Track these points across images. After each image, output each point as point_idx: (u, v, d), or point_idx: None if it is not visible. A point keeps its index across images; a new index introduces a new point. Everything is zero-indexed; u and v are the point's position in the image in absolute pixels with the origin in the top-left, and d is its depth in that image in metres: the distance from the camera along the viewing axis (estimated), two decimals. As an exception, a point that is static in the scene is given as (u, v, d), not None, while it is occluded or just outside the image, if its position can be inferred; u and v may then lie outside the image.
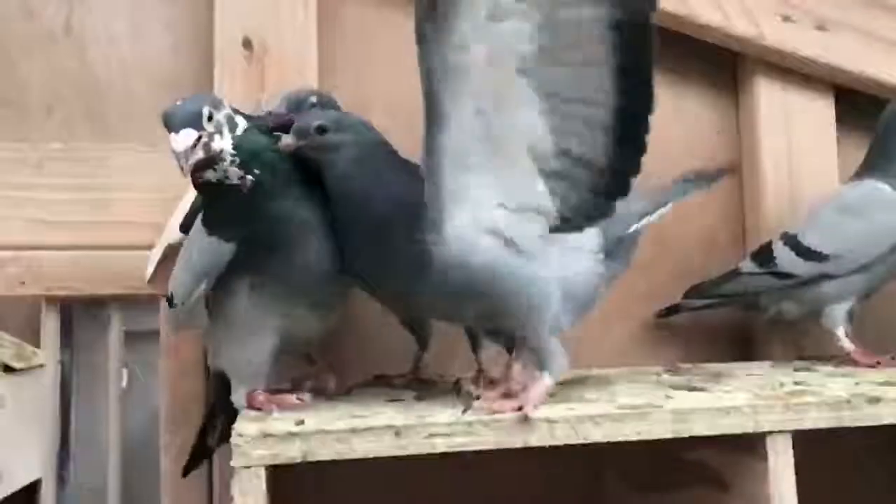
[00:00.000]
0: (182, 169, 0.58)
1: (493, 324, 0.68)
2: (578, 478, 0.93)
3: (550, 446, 0.59)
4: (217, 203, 0.63)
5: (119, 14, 0.93)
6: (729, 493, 0.67)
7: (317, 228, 0.63)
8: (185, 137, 0.58)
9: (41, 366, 1.45)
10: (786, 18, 0.99)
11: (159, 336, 0.91)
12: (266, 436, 0.54)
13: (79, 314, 1.52)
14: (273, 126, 0.65)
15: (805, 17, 0.99)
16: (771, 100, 1.03)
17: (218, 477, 0.85)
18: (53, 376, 0.95)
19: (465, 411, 0.60)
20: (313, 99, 0.75)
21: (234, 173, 0.60)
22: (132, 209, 0.87)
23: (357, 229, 0.62)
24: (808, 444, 0.64)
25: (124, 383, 0.91)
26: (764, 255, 0.93)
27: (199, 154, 0.58)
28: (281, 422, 0.57)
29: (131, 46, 0.93)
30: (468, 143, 0.59)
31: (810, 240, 0.90)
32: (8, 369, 1.28)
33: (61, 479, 1.54)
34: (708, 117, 1.06)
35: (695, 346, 1.02)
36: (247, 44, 0.88)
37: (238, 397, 0.65)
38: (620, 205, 0.62)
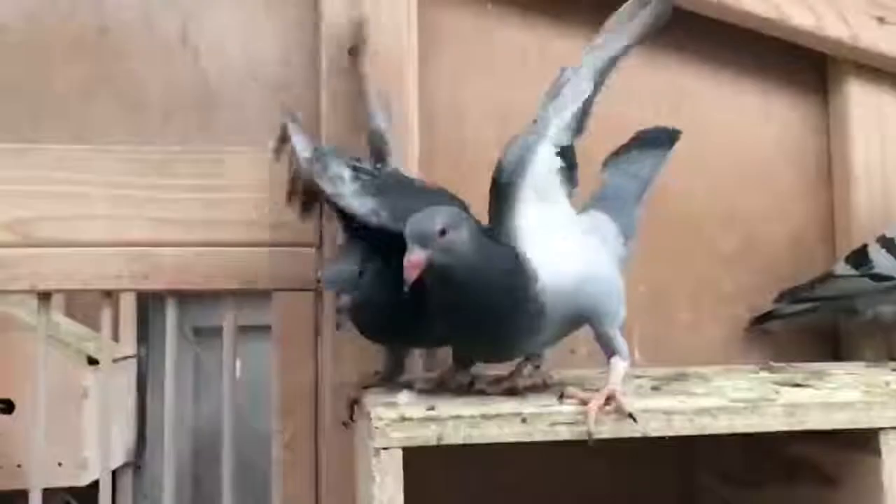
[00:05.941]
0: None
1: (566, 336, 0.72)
2: (668, 474, 0.95)
3: (643, 440, 0.61)
4: None
5: (230, 24, 0.98)
6: (837, 488, 0.68)
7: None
8: None
9: (125, 358, 1.52)
10: (880, 20, 0.99)
11: (261, 330, 0.97)
12: (403, 419, 0.58)
13: (146, 310, 1.58)
14: None
15: (900, 18, 0.99)
16: (863, 101, 1.03)
17: (325, 464, 0.89)
18: (172, 370, 1.00)
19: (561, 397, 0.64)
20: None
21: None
22: (244, 208, 0.92)
23: (472, 309, 0.62)
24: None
25: (238, 373, 0.96)
26: (859, 258, 0.93)
27: None
28: (414, 407, 0.60)
29: (242, 54, 0.98)
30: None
31: (908, 243, 0.90)
32: (92, 362, 1.35)
33: (137, 468, 1.61)
34: (797, 119, 1.06)
35: (783, 347, 1.02)
36: (352, 51, 0.92)
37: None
38: (616, 193, 0.75)
